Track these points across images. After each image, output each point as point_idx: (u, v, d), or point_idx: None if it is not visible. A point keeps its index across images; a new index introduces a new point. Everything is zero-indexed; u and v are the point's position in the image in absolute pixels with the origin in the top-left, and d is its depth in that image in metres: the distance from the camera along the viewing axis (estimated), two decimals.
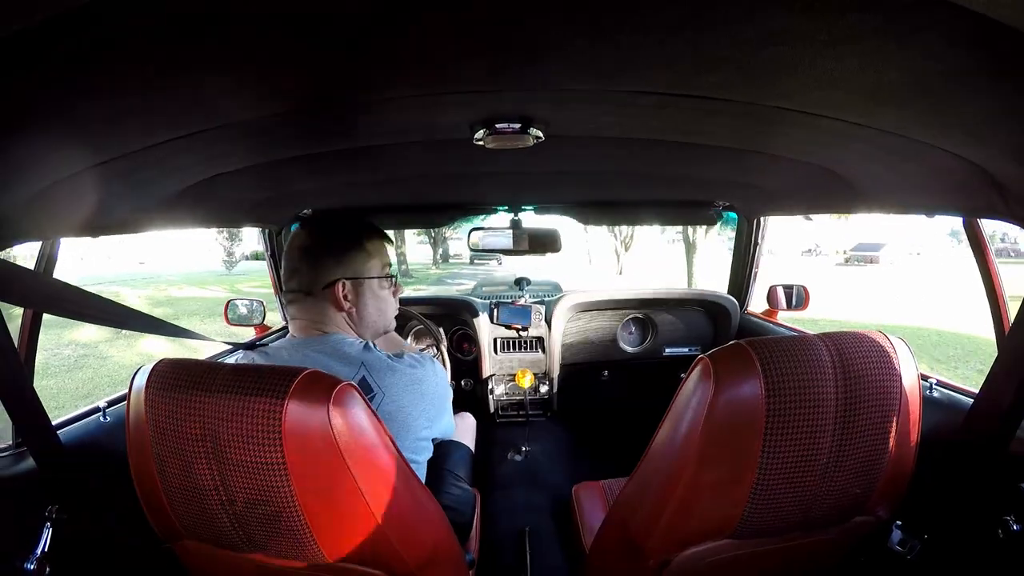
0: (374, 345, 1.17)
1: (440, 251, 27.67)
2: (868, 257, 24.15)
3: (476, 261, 23.48)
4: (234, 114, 0.90)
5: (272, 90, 0.83)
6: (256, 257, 24.72)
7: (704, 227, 13.37)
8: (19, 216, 0.96)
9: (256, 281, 17.21)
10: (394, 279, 1.30)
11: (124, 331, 10.13)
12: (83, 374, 8.69)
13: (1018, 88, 0.70)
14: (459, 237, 26.33)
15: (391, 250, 1.30)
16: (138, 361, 9.14)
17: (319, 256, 1.18)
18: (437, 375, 1.19)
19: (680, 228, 13.80)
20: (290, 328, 1.21)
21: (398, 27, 0.64)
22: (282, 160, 1.29)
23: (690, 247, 14.25)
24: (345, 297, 1.18)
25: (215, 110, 0.87)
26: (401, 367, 1.12)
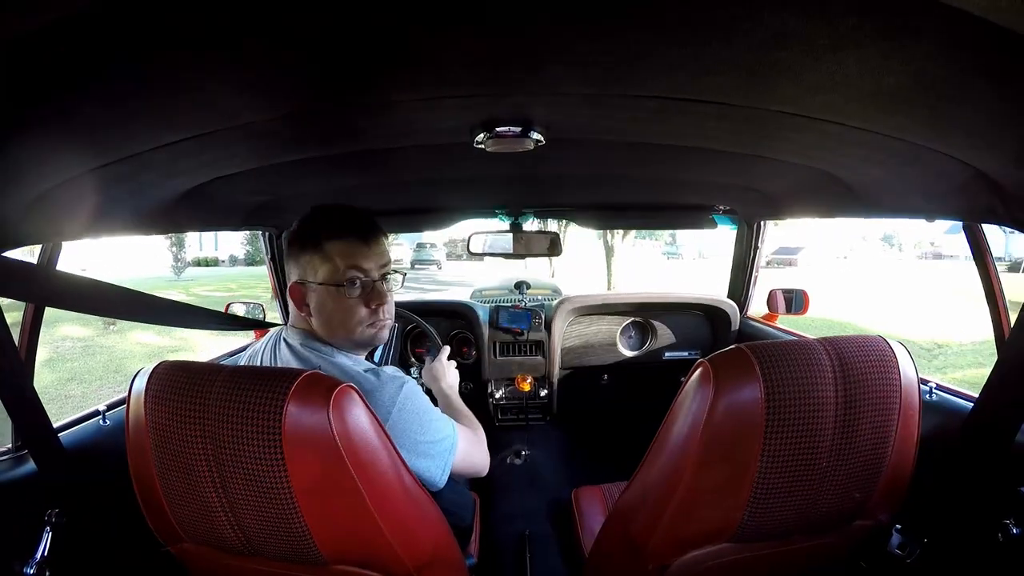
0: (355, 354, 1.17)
1: None
2: (787, 260, 25.64)
3: (417, 265, 23.64)
4: (236, 117, 0.90)
5: (274, 93, 0.83)
6: (200, 263, 24.84)
7: (622, 232, 13.63)
8: (20, 219, 0.96)
9: (209, 285, 17.12)
10: (366, 287, 1.15)
11: (113, 325, 10.27)
12: (100, 357, 8.87)
13: (1018, 92, 0.70)
14: (400, 243, 26.59)
15: (391, 249, 1.22)
16: (135, 350, 9.27)
17: (287, 254, 1.16)
18: (397, 393, 1.09)
19: (603, 233, 13.86)
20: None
21: (399, 31, 0.65)
22: (283, 163, 1.29)
23: (609, 250, 14.33)
24: (300, 302, 1.14)
25: (217, 113, 0.87)
26: (356, 379, 1.07)
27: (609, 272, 14.09)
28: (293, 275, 1.15)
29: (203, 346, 9.42)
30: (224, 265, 26.33)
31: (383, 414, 1.04)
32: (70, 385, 7.55)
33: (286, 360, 1.14)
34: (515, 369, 2.59)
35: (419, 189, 1.93)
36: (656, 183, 1.88)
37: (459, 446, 1.17)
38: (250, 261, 26.09)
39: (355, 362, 1.14)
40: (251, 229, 2.15)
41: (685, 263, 28.51)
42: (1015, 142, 0.83)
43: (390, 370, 1.13)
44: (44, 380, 7.53)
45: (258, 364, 1.19)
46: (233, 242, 27.52)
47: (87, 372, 8.12)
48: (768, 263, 24.62)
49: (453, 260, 27.17)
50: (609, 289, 13.01)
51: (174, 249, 19.49)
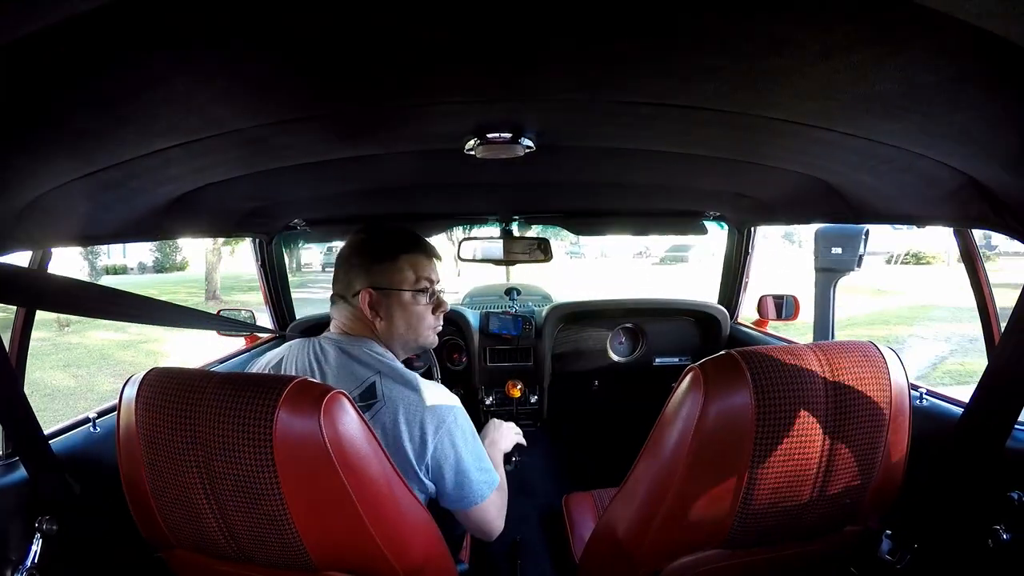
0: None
1: (294, 260, 27.70)
2: (679, 256, 27.37)
3: (327, 268, 23.51)
4: (226, 123, 0.91)
5: (263, 100, 0.83)
6: (110, 271, 24.52)
7: None
8: (10, 226, 0.95)
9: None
10: (433, 295, 1.29)
11: (68, 326, 10.50)
12: (77, 351, 9.31)
13: (1009, 98, 0.70)
14: (309, 247, 26.24)
15: (439, 266, 1.31)
16: (104, 343, 9.45)
17: (352, 264, 1.24)
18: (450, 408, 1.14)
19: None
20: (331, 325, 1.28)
21: (390, 39, 0.64)
22: (273, 170, 1.29)
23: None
24: (371, 306, 1.21)
25: (207, 120, 0.88)
26: (415, 383, 1.13)
27: (508, 272, 14.27)
28: (363, 282, 1.22)
29: (166, 339, 9.75)
30: (134, 272, 26.04)
31: (435, 424, 1.09)
32: (71, 368, 8.40)
33: (341, 364, 1.17)
34: (506, 375, 2.58)
35: (410, 195, 1.93)
36: (647, 189, 1.89)
37: (493, 494, 1.20)
38: (159, 268, 25.72)
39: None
40: (242, 235, 2.15)
41: (587, 262, 29.78)
42: (1007, 149, 0.84)
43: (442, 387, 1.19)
44: (47, 365, 8.10)
45: (293, 371, 1.21)
46: (142, 249, 26.84)
47: (76, 361, 8.84)
48: (662, 260, 27.35)
49: None
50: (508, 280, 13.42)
51: (91, 257, 19.43)
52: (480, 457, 1.18)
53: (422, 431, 1.08)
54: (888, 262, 23.13)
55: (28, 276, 1.04)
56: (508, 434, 1.62)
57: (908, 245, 23.79)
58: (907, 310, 11.80)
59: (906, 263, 23.39)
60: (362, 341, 1.20)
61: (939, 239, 22.80)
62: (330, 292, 1.30)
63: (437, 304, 1.30)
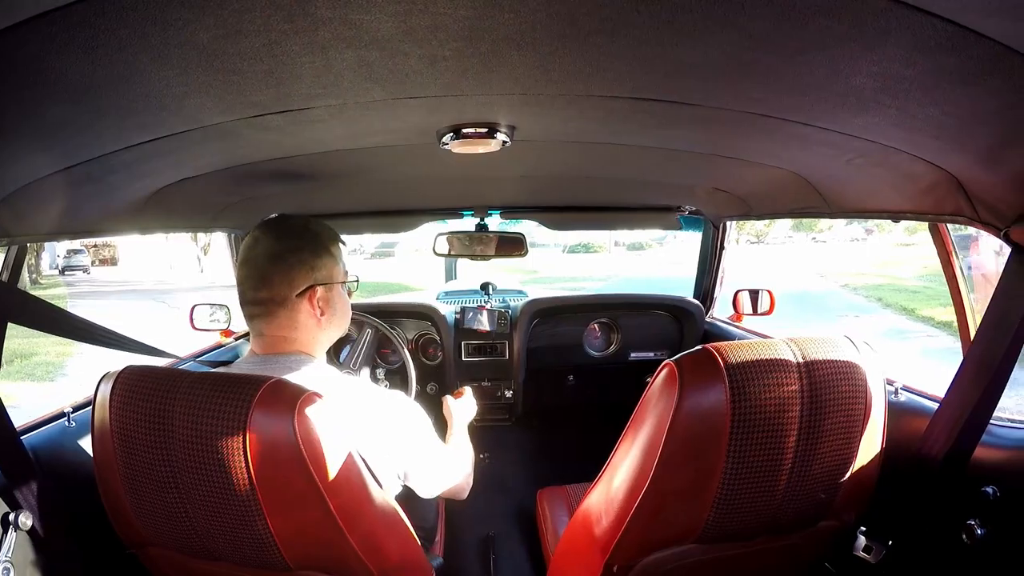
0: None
1: None
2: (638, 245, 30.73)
3: (67, 271, 23.50)
4: (201, 118, 0.90)
5: (236, 94, 0.82)
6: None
7: None
8: None
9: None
10: (354, 283, 1.26)
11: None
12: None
13: (983, 93, 0.70)
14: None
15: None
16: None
17: (293, 262, 1.10)
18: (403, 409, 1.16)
19: None
20: (254, 344, 1.13)
21: (361, 32, 0.64)
22: (250, 164, 1.28)
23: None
24: (317, 304, 1.12)
25: (182, 114, 0.87)
26: (366, 396, 1.10)
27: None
28: (308, 279, 1.10)
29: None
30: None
31: (379, 424, 1.08)
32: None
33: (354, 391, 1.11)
34: (481, 370, 2.58)
35: (384, 190, 1.93)
36: (623, 184, 1.90)
37: (454, 472, 1.28)
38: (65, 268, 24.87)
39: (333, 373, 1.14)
40: (219, 230, 2.13)
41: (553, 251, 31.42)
42: (981, 143, 0.84)
43: (377, 386, 1.17)
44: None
45: None
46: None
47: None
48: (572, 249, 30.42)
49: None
50: None
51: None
52: (431, 446, 1.20)
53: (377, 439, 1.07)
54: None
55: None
56: (467, 406, 1.64)
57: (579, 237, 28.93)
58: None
59: (575, 252, 29.01)
60: (295, 358, 1.10)
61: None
62: None
63: (350, 292, 1.26)
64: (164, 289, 17.12)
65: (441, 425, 1.46)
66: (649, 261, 26.25)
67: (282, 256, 1.09)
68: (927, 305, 12.16)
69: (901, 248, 24.92)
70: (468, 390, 1.68)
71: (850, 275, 18.14)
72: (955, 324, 1.31)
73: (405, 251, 27.58)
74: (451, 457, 1.31)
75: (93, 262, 24.13)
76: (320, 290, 1.11)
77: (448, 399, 1.61)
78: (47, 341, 8.89)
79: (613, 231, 21.75)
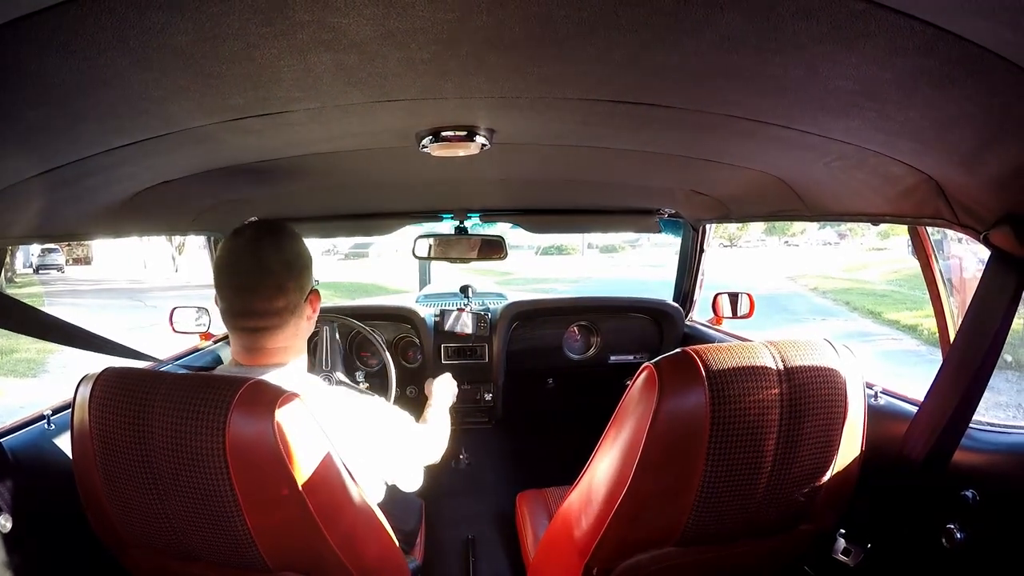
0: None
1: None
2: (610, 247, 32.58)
3: (41, 270, 23.40)
4: (181, 121, 0.90)
5: (214, 97, 0.81)
6: None
7: None
8: None
9: None
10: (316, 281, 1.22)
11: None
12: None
13: (962, 95, 0.70)
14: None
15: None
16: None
17: (301, 267, 1.08)
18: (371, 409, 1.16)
19: None
20: (240, 356, 1.07)
21: (340, 35, 0.63)
22: (229, 167, 1.27)
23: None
24: (313, 308, 1.12)
25: (162, 118, 0.87)
26: (346, 405, 1.10)
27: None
28: (309, 284, 1.10)
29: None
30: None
31: (361, 433, 1.08)
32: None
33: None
34: (461, 373, 2.56)
35: (363, 193, 1.94)
36: (602, 187, 1.90)
37: (426, 451, 1.31)
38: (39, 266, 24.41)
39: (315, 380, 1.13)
40: (198, 233, 2.10)
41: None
42: (961, 146, 0.84)
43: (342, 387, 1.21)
44: None
45: None
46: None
47: None
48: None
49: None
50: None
51: None
52: (411, 448, 1.23)
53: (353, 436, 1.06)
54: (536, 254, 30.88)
55: None
56: (447, 387, 1.74)
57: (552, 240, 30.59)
58: None
59: (548, 254, 30.87)
60: (291, 369, 1.08)
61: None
62: None
63: None
64: (140, 288, 16.96)
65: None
66: (621, 263, 26.71)
67: (294, 263, 1.07)
68: (893, 309, 12.32)
69: (874, 252, 25.58)
70: (448, 374, 1.79)
71: (819, 279, 18.50)
72: (920, 327, 1.33)
73: (379, 252, 27.90)
74: (427, 441, 1.34)
75: (67, 261, 23.87)
76: (317, 294, 1.12)
77: (430, 380, 1.72)
78: (28, 339, 8.66)
79: (587, 234, 22.25)
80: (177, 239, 20.90)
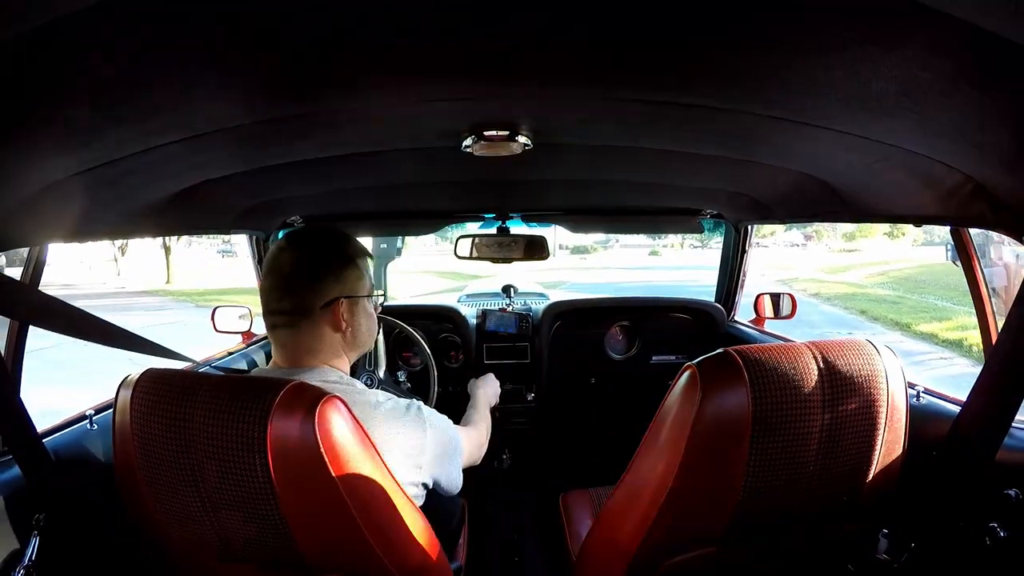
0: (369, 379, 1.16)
1: None
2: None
3: None
4: (223, 120, 0.90)
5: (260, 97, 0.83)
6: None
7: None
8: (6, 222, 0.95)
9: None
10: (380, 296, 1.26)
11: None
12: None
13: (1006, 96, 0.70)
14: None
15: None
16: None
17: (318, 274, 1.10)
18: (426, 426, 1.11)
19: None
20: (276, 356, 1.12)
21: (384, 35, 0.64)
22: (270, 166, 1.28)
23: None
24: (342, 317, 1.11)
25: (205, 116, 0.87)
26: (386, 410, 1.07)
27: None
28: (334, 291, 1.09)
29: None
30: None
31: (404, 442, 1.05)
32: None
33: (374, 406, 1.08)
34: (504, 373, 2.57)
35: (407, 192, 1.93)
36: (644, 187, 1.89)
37: (468, 452, 1.28)
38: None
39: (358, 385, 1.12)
40: (239, 232, 2.11)
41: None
42: (1003, 147, 0.83)
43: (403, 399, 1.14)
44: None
45: None
46: None
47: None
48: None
49: None
50: None
51: None
52: (455, 454, 1.19)
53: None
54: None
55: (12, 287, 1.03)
56: (490, 387, 1.77)
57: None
58: None
59: None
60: (320, 371, 1.09)
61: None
62: None
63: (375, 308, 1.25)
64: (71, 295, 15.31)
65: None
66: (595, 265, 26.53)
67: (308, 266, 1.09)
68: (919, 319, 11.94)
69: (844, 254, 26.21)
70: (491, 374, 1.82)
71: (811, 282, 19.48)
72: (966, 343, 1.30)
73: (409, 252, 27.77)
74: (469, 443, 1.31)
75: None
76: (345, 303, 1.10)
77: (473, 380, 1.74)
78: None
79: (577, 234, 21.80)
80: (119, 240, 20.95)
